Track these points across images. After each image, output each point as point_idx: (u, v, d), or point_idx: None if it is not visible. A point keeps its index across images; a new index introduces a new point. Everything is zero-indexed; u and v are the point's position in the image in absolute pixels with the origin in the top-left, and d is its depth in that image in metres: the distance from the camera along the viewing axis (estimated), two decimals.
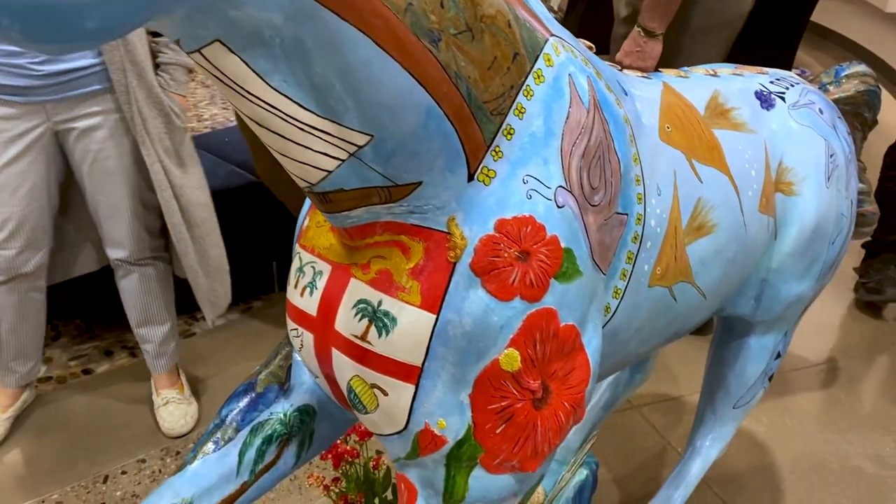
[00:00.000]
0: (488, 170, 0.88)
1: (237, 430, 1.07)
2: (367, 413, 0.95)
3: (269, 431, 1.08)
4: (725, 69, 1.45)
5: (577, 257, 0.93)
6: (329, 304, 0.96)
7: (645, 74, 1.26)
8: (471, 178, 0.88)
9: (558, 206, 0.91)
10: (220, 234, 2.18)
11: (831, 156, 1.42)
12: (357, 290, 0.93)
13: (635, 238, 1.06)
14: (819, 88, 1.62)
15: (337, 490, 1.57)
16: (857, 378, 2.56)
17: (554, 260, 0.90)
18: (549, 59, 0.92)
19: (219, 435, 1.07)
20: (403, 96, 0.78)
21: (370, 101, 0.77)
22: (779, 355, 1.57)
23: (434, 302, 0.88)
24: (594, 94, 0.98)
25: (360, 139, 0.80)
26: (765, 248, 1.36)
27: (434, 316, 0.88)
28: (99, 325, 2.67)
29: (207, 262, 2.13)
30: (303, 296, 1.00)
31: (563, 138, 0.92)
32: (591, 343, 0.99)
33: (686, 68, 1.40)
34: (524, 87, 0.89)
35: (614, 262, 1.03)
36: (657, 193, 1.09)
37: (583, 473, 1.84)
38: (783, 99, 1.42)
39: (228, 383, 2.22)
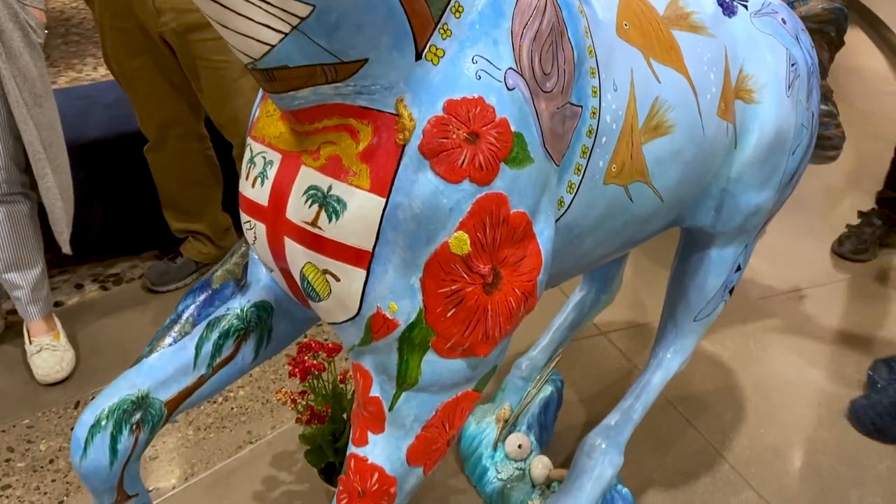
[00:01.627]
0: (437, 49, 0.87)
1: (193, 325, 1.07)
2: (320, 300, 0.96)
3: (226, 326, 1.08)
4: None
5: (527, 142, 0.93)
6: (280, 193, 0.95)
7: None
8: (419, 56, 0.87)
9: (508, 89, 0.90)
10: (67, 163, 2.12)
11: (793, 65, 1.42)
12: (307, 176, 0.93)
13: (590, 132, 1.06)
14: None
15: (304, 402, 1.58)
16: (822, 306, 2.60)
17: (503, 143, 0.90)
18: None
19: (175, 329, 1.07)
20: None
21: None
22: (739, 268, 1.59)
23: (383, 185, 0.88)
24: None
25: (302, 10, 0.79)
26: (724, 155, 1.36)
27: (383, 199, 0.88)
28: (68, 260, 2.66)
29: (62, 186, 2.08)
30: (254, 186, 0.99)
31: (513, 20, 0.91)
32: (543, 233, 1.00)
33: None
34: None
35: (568, 155, 1.04)
36: (613, 89, 1.09)
37: (548, 390, 1.88)
38: (745, 7, 1.41)
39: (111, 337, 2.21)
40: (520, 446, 1.78)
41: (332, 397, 1.61)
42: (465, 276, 0.92)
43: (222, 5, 0.78)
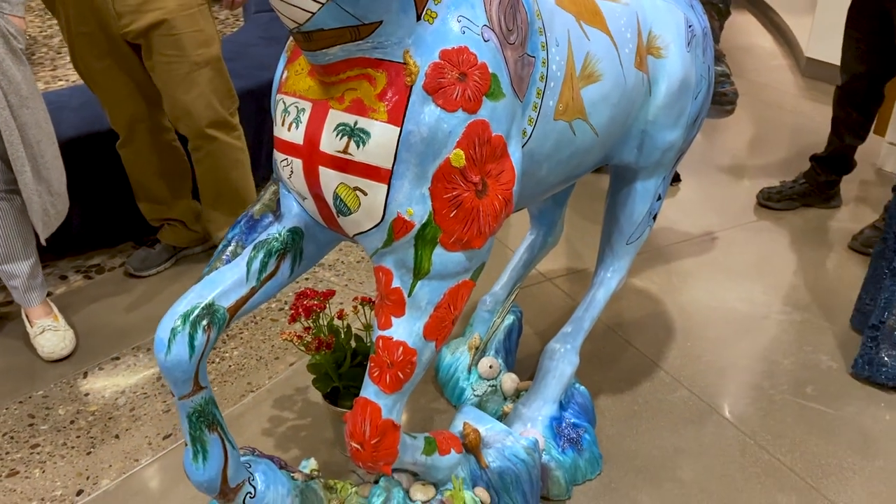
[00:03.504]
0: (431, 11, 1.17)
1: (243, 248, 1.34)
2: (350, 214, 1.24)
3: (269, 247, 1.35)
4: None
5: (501, 81, 1.23)
6: (314, 132, 1.23)
7: None
8: (419, 18, 1.16)
9: (485, 40, 1.21)
10: (59, 158, 2.27)
11: (689, 26, 1.78)
12: (336, 117, 1.21)
13: (542, 77, 1.37)
14: None
15: (309, 337, 1.85)
16: (731, 244, 3.01)
17: (484, 81, 1.20)
18: None
19: (228, 252, 1.34)
20: None
21: None
22: (660, 197, 1.94)
23: (398, 117, 1.17)
24: None
25: None
26: (642, 101, 1.70)
27: (398, 128, 1.17)
28: (48, 256, 2.82)
29: (45, 183, 2.21)
30: (290, 130, 1.27)
31: None
32: (515, 154, 1.31)
33: None
34: None
35: (527, 95, 1.35)
36: (556, 45, 1.41)
37: (510, 319, 2.19)
38: None
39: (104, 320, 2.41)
40: (490, 367, 2.08)
41: (331, 332, 1.87)
42: (462, 184, 1.21)
43: None
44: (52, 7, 2.37)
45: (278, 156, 1.31)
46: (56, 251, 2.83)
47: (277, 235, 1.36)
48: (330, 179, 1.23)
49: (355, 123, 1.19)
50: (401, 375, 1.30)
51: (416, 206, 1.21)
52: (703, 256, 2.92)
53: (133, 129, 2.56)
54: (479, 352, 2.12)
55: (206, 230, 2.76)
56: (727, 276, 2.78)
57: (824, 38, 4.69)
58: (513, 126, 1.30)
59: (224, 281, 1.31)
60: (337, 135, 1.20)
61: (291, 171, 1.29)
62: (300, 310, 1.84)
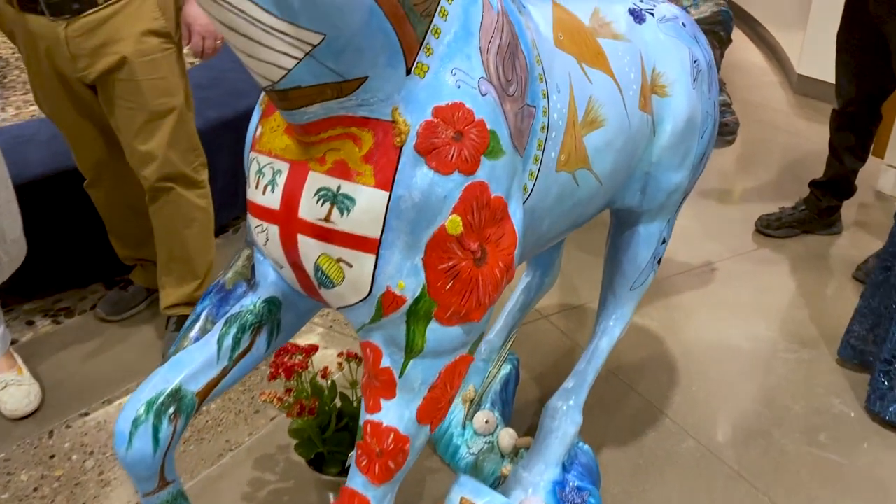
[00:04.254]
0: (422, 64, 1.05)
1: (213, 323, 1.20)
2: (333, 287, 1.11)
3: (242, 321, 1.21)
4: None
5: (500, 138, 1.11)
6: (291, 196, 1.10)
7: None
8: (408, 72, 1.04)
9: (482, 94, 1.08)
10: (13, 202, 2.13)
11: (695, 62, 1.66)
12: (316, 180, 1.08)
13: (543, 128, 1.25)
14: None
15: (290, 399, 1.71)
16: (732, 275, 2.90)
17: (482, 139, 1.08)
18: None
19: (197, 328, 1.20)
20: None
21: (323, 3, 0.92)
22: (664, 241, 1.82)
23: (386, 181, 1.04)
24: (500, 2, 1.16)
25: (315, 38, 0.94)
26: (646, 143, 1.59)
27: (387, 193, 1.04)
28: (15, 299, 2.67)
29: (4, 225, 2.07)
30: (265, 194, 1.13)
31: (480, 37, 1.10)
32: (516, 214, 1.18)
33: None
34: None
35: (528, 148, 1.22)
36: (557, 91, 1.29)
37: (506, 369, 2.07)
38: (652, 14, 1.65)
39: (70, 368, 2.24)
40: (486, 422, 1.95)
41: (314, 392, 1.74)
42: (459, 253, 1.09)
43: (249, 38, 0.93)
44: (10, 37, 2.21)
45: (252, 221, 1.18)
46: (23, 293, 2.68)
47: (252, 307, 1.23)
48: (310, 249, 1.10)
49: (338, 188, 1.06)
50: (391, 465, 1.17)
51: (407, 279, 1.08)
52: (704, 289, 2.81)
53: (100, 173, 2.40)
54: (475, 405, 1.99)
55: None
56: (730, 311, 2.67)
57: (816, 54, 4.61)
58: (513, 184, 1.17)
59: (192, 362, 1.18)
60: (318, 200, 1.07)
61: (267, 238, 1.16)
62: (280, 369, 1.71)
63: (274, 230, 1.14)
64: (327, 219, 1.07)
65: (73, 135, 2.30)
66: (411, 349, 1.13)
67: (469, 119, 1.06)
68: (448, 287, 1.10)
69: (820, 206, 3.11)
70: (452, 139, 1.05)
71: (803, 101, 4.78)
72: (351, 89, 1.02)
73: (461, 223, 1.07)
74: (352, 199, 1.05)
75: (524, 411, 2.15)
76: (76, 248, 2.74)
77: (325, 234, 1.08)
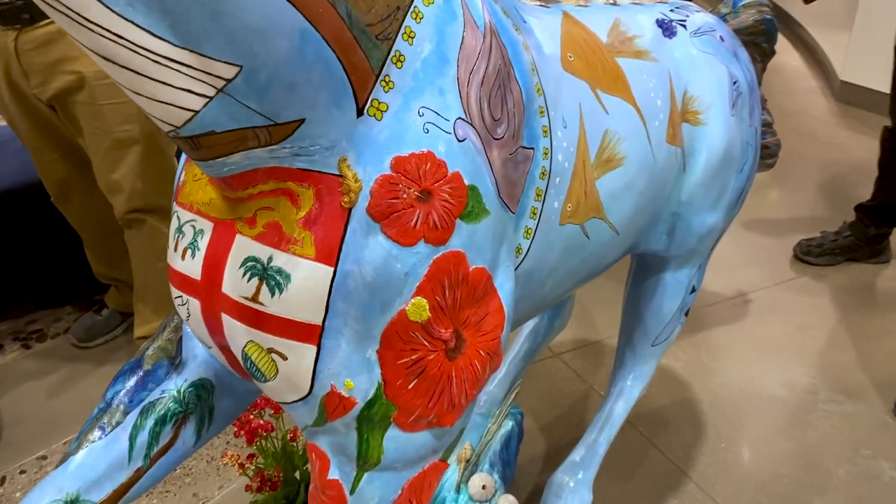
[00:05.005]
0: (379, 103, 0.80)
1: (125, 413, 0.97)
2: (266, 381, 0.87)
3: (163, 411, 0.98)
4: None
5: (482, 195, 0.86)
6: (214, 265, 0.86)
7: (544, 3, 1.19)
8: (360, 112, 0.79)
9: (459, 140, 0.84)
10: None
11: (734, 83, 1.40)
12: (244, 246, 0.84)
13: (543, 174, 1.00)
14: None
15: (253, 467, 1.48)
16: (767, 308, 2.62)
17: (458, 199, 0.83)
18: None
19: (105, 420, 0.96)
20: (272, 17, 0.69)
21: (234, 26, 0.68)
22: (693, 290, 1.56)
23: (330, 253, 0.80)
24: (489, 17, 0.91)
25: (228, 71, 0.70)
26: (674, 180, 1.33)
27: (331, 268, 0.80)
28: None
29: None
30: (184, 259, 0.90)
31: (458, 65, 0.85)
32: (504, 287, 0.94)
33: None
34: (412, 9, 0.81)
35: (523, 200, 0.98)
36: (563, 126, 1.04)
37: (508, 425, 1.81)
38: (684, 27, 1.38)
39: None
40: (484, 487, 1.70)
41: (282, 457, 1.51)
42: (425, 343, 0.84)
43: (136, 72, 0.69)
44: None
45: (172, 290, 0.95)
46: None
47: (176, 393, 0.99)
48: (236, 333, 0.87)
49: (269, 259, 0.82)
50: None
51: (357, 377, 0.84)
52: (735, 325, 2.53)
53: (66, 191, 2.18)
54: (471, 465, 1.74)
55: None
56: (764, 352, 2.39)
57: (861, 59, 4.29)
58: (501, 249, 0.93)
59: (95, 464, 0.94)
60: (244, 273, 0.83)
61: (188, 313, 0.93)
62: (242, 430, 1.48)
63: (195, 305, 0.91)
64: (255, 298, 0.83)
65: (34, 151, 2.09)
66: (365, 461, 0.89)
67: (440, 173, 0.82)
68: (411, 386, 0.85)
69: (867, 233, 2.81)
70: (417, 200, 0.80)
71: (846, 109, 4.44)
72: (283, 135, 0.77)
73: (428, 307, 0.83)
74: (285, 275, 0.81)
75: (528, 469, 1.91)
76: (52, 264, 2.54)
77: (253, 316, 0.84)
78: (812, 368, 2.31)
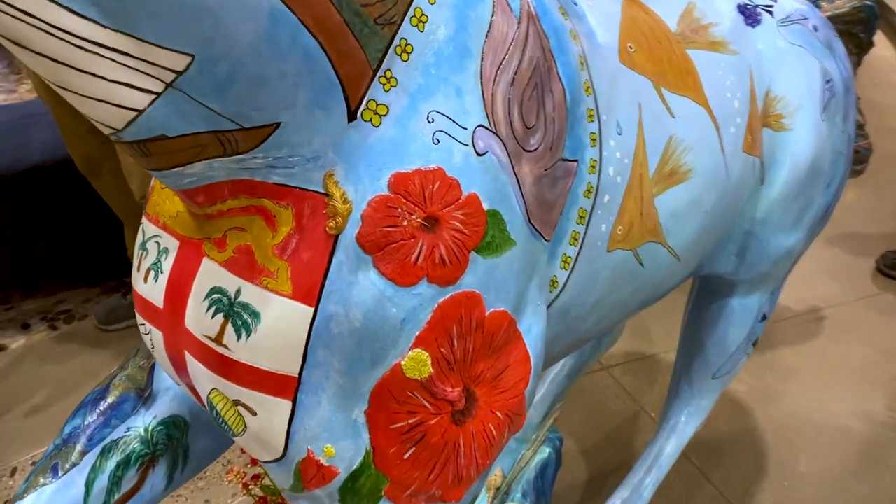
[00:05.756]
0: (377, 104, 0.63)
1: (83, 453, 0.83)
2: (234, 435, 0.72)
3: (127, 452, 0.84)
4: None
5: (506, 222, 0.69)
6: (177, 294, 0.71)
7: None
8: (353, 116, 0.63)
9: (478, 154, 0.67)
10: None
11: (828, 81, 1.19)
12: (210, 274, 0.69)
13: (589, 191, 0.82)
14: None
15: (258, 487, 1.35)
16: (844, 328, 2.37)
17: (473, 227, 0.66)
18: None
19: (59, 460, 0.83)
20: None
21: (176, 2, 0.52)
22: (764, 317, 1.36)
23: (310, 290, 0.64)
24: (528, 1, 0.73)
25: (177, 61, 0.55)
26: (749, 194, 1.13)
27: (311, 309, 0.64)
28: (15, 295, 2.42)
29: None
30: (146, 281, 0.75)
31: (483, 58, 0.68)
32: (532, 330, 0.76)
33: None
34: None
35: (561, 224, 0.80)
36: (617, 132, 0.86)
37: (545, 451, 1.64)
38: (771, 13, 1.18)
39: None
40: None
41: None
42: (426, 404, 0.68)
43: (57, 61, 0.54)
44: None
45: (137, 317, 0.80)
46: (26, 287, 2.43)
47: (143, 432, 0.85)
48: (200, 377, 0.72)
49: (237, 293, 0.66)
50: None
51: (340, 442, 0.68)
52: (808, 345, 2.30)
53: (96, 170, 2.09)
54: (501, 493, 1.58)
55: None
56: (838, 377, 2.15)
57: None
58: (530, 285, 0.75)
59: None
60: (208, 307, 0.68)
61: (153, 344, 0.78)
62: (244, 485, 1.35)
63: (158, 337, 0.76)
64: (218, 340, 0.67)
65: (61, 124, 2.00)
66: None
67: (451, 195, 0.65)
68: (407, 455, 0.69)
69: None
70: (420, 228, 0.64)
71: None
72: (254, 142, 0.61)
73: (430, 361, 0.66)
74: (254, 314, 0.66)
75: (566, 498, 1.73)
76: (86, 242, 2.46)
77: (217, 361, 0.69)
78: (894, 400, 2.06)
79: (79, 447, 0.83)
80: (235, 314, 0.66)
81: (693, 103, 0.97)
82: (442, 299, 0.66)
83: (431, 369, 0.67)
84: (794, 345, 2.29)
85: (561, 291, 0.83)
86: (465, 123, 0.66)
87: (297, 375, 0.66)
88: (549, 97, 0.73)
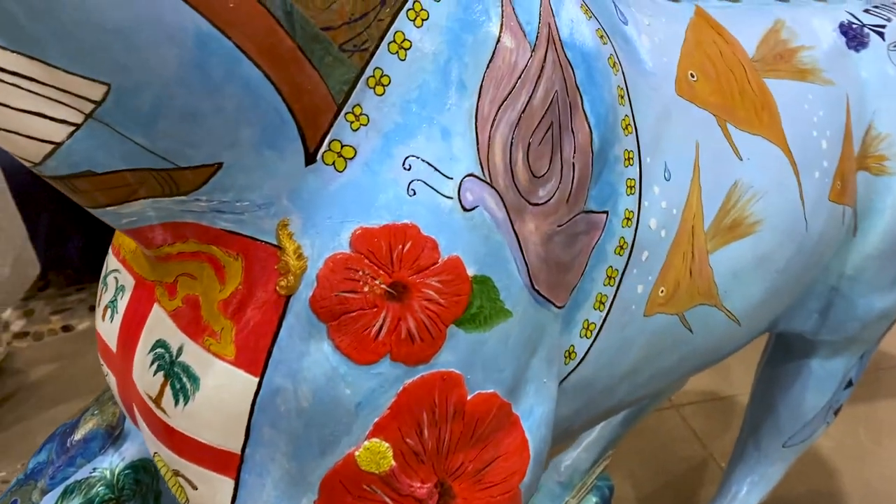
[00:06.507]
0: (342, 146, 0.53)
1: (44, 492, 0.77)
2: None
3: (89, 495, 0.77)
4: None
5: (499, 290, 0.57)
6: (129, 339, 0.63)
7: None
8: (311, 159, 0.53)
9: (465, 209, 0.55)
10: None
11: None
12: (159, 322, 0.60)
13: (621, 248, 0.69)
14: None
15: None
16: None
17: (453, 297, 0.55)
18: None
19: (18, 497, 0.77)
20: (141, 12, 0.43)
21: (84, 22, 0.43)
22: (850, 384, 1.19)
23: (256, 357, 0.54)
24: (551, 19, 0.60)
25: (93, 90, 0.46)
26: (837, 247, 0.97)
27: (255, 379, 0.55)
28: (88, 276, 2.46)
29: None
30: (104, 319, 0.68)
31: (481, 93, 0.56)
32: (534, 413, 0.64)
33: None
34: (409, 4, 0.53)
35: (582, 286, 0.67)
36: (665, 177, 0.72)
37: (592, 499, 1.51)
38: (882, 35, 1.00)
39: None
40: None
41: None
42: (388, 501, 0.57)
43: None
44: None
45: (100, 355, 0.73)
46: (96, 272, 2.48)
47: (109, 474, 0.77)
48: (146, 436, 0.64)
49: (179, 351, 0.58)
50: None
51: None
52: None
53: None
54: None
55: None
56: None
57: None
58: (532, 360, 0.63)
59: None
60: (151, 362, 0.60)
61: (112, 388, 0.71)
62: None
63: (113, 381, 0.69)
64: (157, 402, 0.59)
65: None
66: None
67: (426, 258, 0.54)
68: None
69: None
70: (384, 296, 0.53)
71: None
72: (193, 184, 0.52)
73: (391, 454, 0.55)
74: (194, 379, 0.57)
75: None
76: None
77: (158, 425, 0.60)
78: None
79: (40, 485, 0.77)
80: (175, 375, 0.57)
81: (767, 143, 0.82)
82: (409, 381, 0.55)
83: (393, 462, 0.56)
84: (893, 398, 2.05)
85: (580, 363, 0.71)
86: (450, 172, 0.54)
87: (239, 453, 0.57)
88: (570, 140, 0.61)
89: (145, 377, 0.60)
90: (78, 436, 0.79)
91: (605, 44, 0.66)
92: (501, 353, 0.59)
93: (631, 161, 0.68)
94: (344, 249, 0.53)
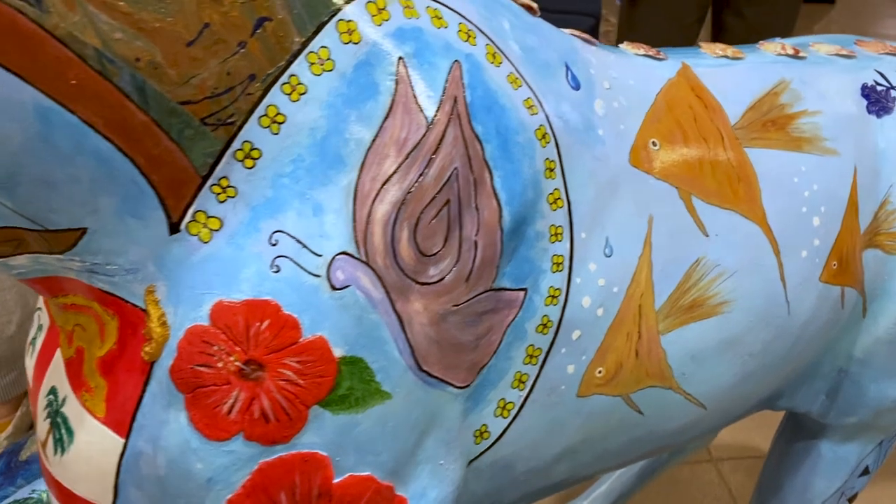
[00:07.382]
0: (207, 217, 0.52)
1: None
2: None
3: None
4: (826, 46, 0.95)
5: (374, 371, 0.55)
6: (37, 379, 0.65)
7: (655, 52, 0.80)
8: (175, 228, 0.52)
9: (334, 288, 0.53)
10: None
11: None
12: (56, 369, 0.62)
13: (545, 326, 0.65)
14: None
15: None
16: None
17: (315, 378, 0.53)
18: (350, 31, 0.53)
19: None
20: None
21: None
22: (866, 471, 1.08)
23: (122, 419, 0.55)
24: (460, 91, 0.57)
25: None
26: (842, 328, 0.89)
27: (121, 441, 0.55)
28: None
29: None
30: (28, 355, 0.70)
31: (363, 170, 0.54)
32: (429, 494, 0.62)
33: (756, 44, 0.92)
34: (284, 79, 0.52)
35: (496, 364, 0.64)
36: (603, 254, 0.67)
37: None
38: None
39: None
40: None
41: None
42: None
43: None
44: None
45: None
46: None
47: (44, 495, 0.80)
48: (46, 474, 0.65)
49: (63, 402, 0.59)
50: None
51: None
52: None
53: None
54: None
55: None
56: None
57: None
58: (426, 441, 0.61)
59: None
60: (44, 407, 0.61)
61: None
62: None
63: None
64: (43, 447, 0.60)
65: None
66: None
67: (285, 336, 0.52)
68: None
69: None
70: (237, 374, 0.52)
71: None
72: (63, 245, 0.53)
73: None
74: (70, 431, 0.58)
75: None
76: None
77: (45, 469, 0.62)
78: None
79: None
80: (56, 425, 0.58)
81: (741, 218, 0.75)
82: (264, 460, 0.53)
83: None
84: None
85: (495, 442, 0.67)
86: (319, 249, 0.53)
87: None
88: (472, 217, 0.58)
89: (39, 421, 0.61)
90: (23, 457, 0.81)
91: (534, 114, 0.62)
92: (379, 436, 0.57)
93: (559, 237, 0.64)
94: (203, 322, 0.52)
